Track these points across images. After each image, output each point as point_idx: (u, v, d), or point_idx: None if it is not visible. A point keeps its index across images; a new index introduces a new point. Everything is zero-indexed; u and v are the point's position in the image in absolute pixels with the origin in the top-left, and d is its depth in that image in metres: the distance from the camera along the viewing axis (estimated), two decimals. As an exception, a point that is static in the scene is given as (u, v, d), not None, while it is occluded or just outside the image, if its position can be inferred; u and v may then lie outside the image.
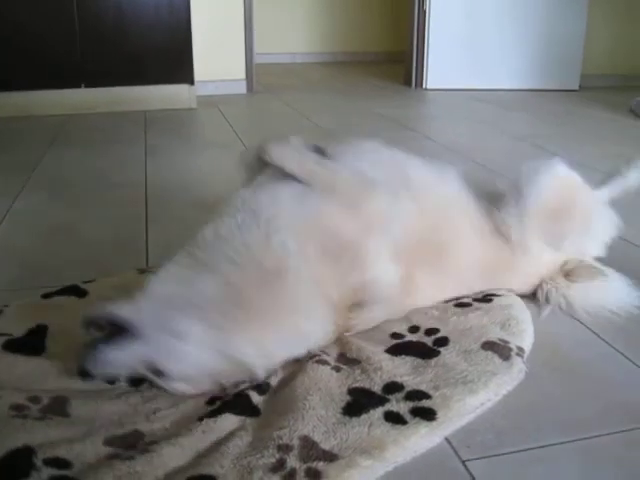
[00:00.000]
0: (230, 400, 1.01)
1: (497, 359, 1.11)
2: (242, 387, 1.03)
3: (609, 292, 1.35)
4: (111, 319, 1.00)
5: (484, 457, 0.91)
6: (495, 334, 1.19)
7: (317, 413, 0.96)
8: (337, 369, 1.09)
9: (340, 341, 1.17)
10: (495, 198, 1.39)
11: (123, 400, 1.02)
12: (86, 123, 3.41)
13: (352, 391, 1.03)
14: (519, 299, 1.34)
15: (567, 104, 4.10)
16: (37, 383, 1.05)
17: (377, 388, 1.04)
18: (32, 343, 1.16)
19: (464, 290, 1.35)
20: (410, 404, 0.99)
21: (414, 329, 1.23)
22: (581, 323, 1.29)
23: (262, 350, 1.04)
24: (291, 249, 1.09)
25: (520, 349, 1.15)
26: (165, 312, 1.01)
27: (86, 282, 1.40)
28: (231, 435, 0.93)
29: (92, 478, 0.84)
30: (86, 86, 3.63)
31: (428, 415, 0.97)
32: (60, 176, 2.37)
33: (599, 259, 1.45)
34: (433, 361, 1.11)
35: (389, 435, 0.92)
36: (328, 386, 1.03)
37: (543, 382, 1.10)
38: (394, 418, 0.96)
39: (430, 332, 1.21)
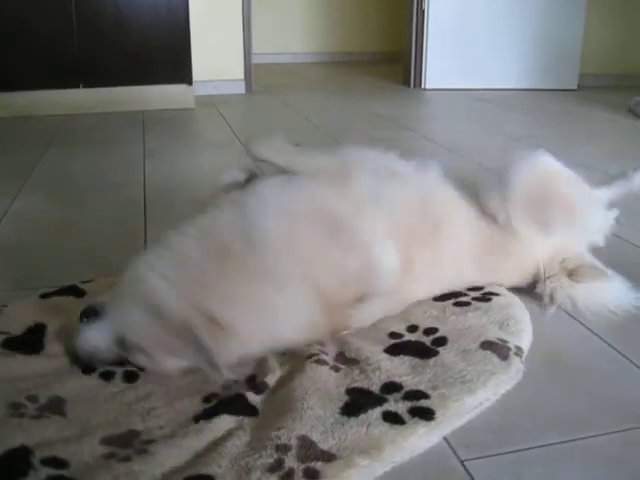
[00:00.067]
0: (226, 400, 1.01)
1: (495, 359, 1.11)
2: (238, 388, 1.03)
3: (611, 293, 1.35)
4: (89, 305, 1.09)
5: (483, 457, 0.91)
6: (494, 334, 1.19)
7: (315, 413, 0.96)
8: (336, 369, 1.09)
9: (339, 341, 1.17)
10: (478, 187, 1.41)
11: (118, 399, 1.02)
12: (84, 123, 3.41)
13: (350, 391, 1.03)
14: (518, 299, 1.34)
15: (565, 104, 4.10)
16: (35, 382, 1.05)
17: (375, 388, 1.04)
18: (30, 342, 1.16)
19: (461, 277, 1.35)
20: (408, 404, 0.99)
21: (413, 328, 1.23)
22: (580, 323, 1.29)
23: (226, 317, 1.04)
24: (269, 227, 1.11)
25: (519, 349, 1.15)
26: (134, 289, 1.07)
27: (84, 282, 1.40)
28: (229, 435, 0.93)
29: (89, 478, 0.84)
30: (84, 86, 3.63)
31: (426, 415, 0.96)
32: (59, 176, 2.37)
33: (599, 258, 1.44)
34: (432, 361, 1.11)
35: (387, 435, 0.92)
36: (326, 386, 1.03)
37: (542, 382, 1.10)
38: (392, 418, 0.96)
39: (429, 332, 1.21)
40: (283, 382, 1.06)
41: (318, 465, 0.86)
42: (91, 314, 1.08)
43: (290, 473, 0.85)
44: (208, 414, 0.97)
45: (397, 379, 1.06)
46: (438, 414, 0.97)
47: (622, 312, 1.30)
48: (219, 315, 1.03)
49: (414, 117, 3.74)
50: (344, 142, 2.86)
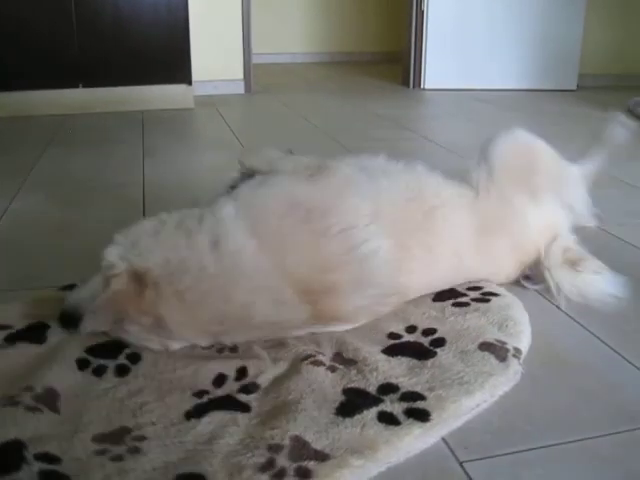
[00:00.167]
0: (217, 400, 1.01)
1: (494, 360, 1.11)
2: (227, 390, 1.04)
3: (610, 285, 1.36)
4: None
5: (482, 458, 0.91)
6: (492, 335, 1.19)
7: (310, 414, 0.96)
8: (332, 369, 1.09)
9: (337, 341, 1.17)
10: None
11: (111, 395, 1.03)
12: (84, 123, 3.40)
13: (347, 391, 1.03)
14: (517, 300, 1.34)
15: (564, 104, 4.10)
16: (33, 374, 1.06)
17: (372, 389, 1.04)
18: (33, 334, 1.19)
19: (461, 261, 1.35)
20: (404, 405, 0.99)
21: (411, 329, 1.23)
22: (580, 325, 1.29)
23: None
24: (238, 217, 1.16)
25: (517, 350, 1.15)
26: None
27: (84, 282, 1.40)
28: (221, 433, 0.93)
29: (81, 474, 0.85)
30: (84, 86, 3.63)
31: (422, 416, 0.96)
32: (58, 176, 2.37)
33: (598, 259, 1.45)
34: (429, 362, 1.11)
35: (382, 435, 0.92)
36: (322, 387, 1.03)
37: (541, 383, 1.10)
38: (387, 419, 0.96)
39: (427, 332, 1.21)
40: (279, 382, 1.06)
41: (310, 464, 0.86)
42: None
43: (282, 472, 0.85)
44: (199, 411, 0.98)
45: (394, 380, 1.06)
46: (434, 415, 0.97)
47: (618, 309, 1.31)
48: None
49: (413, 117, 3.74)
50: (344, 142, 2.86)
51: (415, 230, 1.28)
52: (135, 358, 1.13)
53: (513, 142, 1.48)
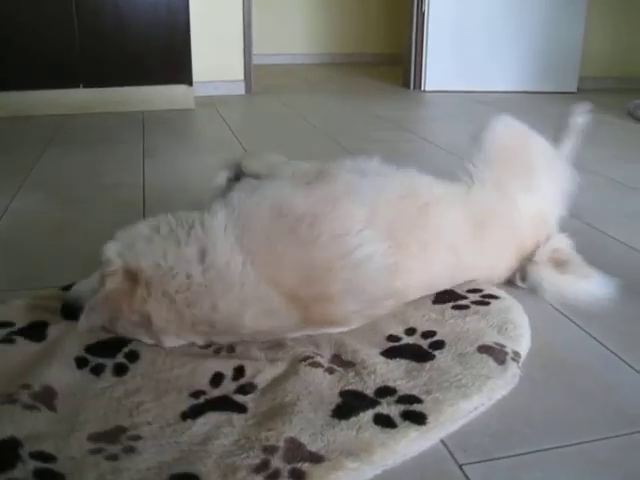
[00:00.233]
0: (213, 400, 1.02)
1: (492, 363, 1.11)
2: (224, 390, 1.04)
3: (594, 290, 1.36)
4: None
5: (481, 461, 0.91)
6: (491, 338, 1.19)
7: (306, 416, 0.96)
8: (330, 371, 1.08)
9: (336, 343, 1.17)
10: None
11: (108, 394, 1.03)
12: (84, 123, 3.40)
13: (344, 393, 1.03)
14: (517, 303, 1.34)
15: (565, 106, 4.09)
16: (31, 372, 1.06)
17: (369, 391, 1.03)
18: (33, 332, 1.19)
19: (459, 258, 1.34)
20: (401, 407, 0.99)
21: (411, 331, 1.23)
22: (579, 327, 1.29)
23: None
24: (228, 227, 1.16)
25: (516, 353, 1.14)
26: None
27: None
28: (216, 433, 0.93)
29: (76, 473, 0.85)
30: (85, 86, 3.63)
31: (419, 419, 0.96)
32: (58, 176, 2.37)
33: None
34: (428, 364, 1.11)
35: (378, 438, 0.92)
36: (319, 388, 1.03)
37: (540, 386, 1.10)
38: (384, 421, 0.96)
39: (427, 335, 1.21)
40: (276, 383, 1.06)
41: (305, 466, 0.86)
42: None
43: (276, 473, 0.85)
44: (195, 412, 0.98)
45: (391, 383, 1.05)
46: (430, 419, 0.97)
47: (601, 308, 1.31)
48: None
49: (414, 119, 3.74)
50: (344, 144, 2.86)
51: (411, 227, 1.28)
52: (133, 357, 1.13)
53: (504, 127, 1.53)
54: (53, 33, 3.50)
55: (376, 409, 0.99)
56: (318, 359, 1.11)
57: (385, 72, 5.77)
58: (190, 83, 3.79)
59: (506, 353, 1.14)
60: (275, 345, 1.16)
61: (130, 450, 0.89)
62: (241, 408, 1.00)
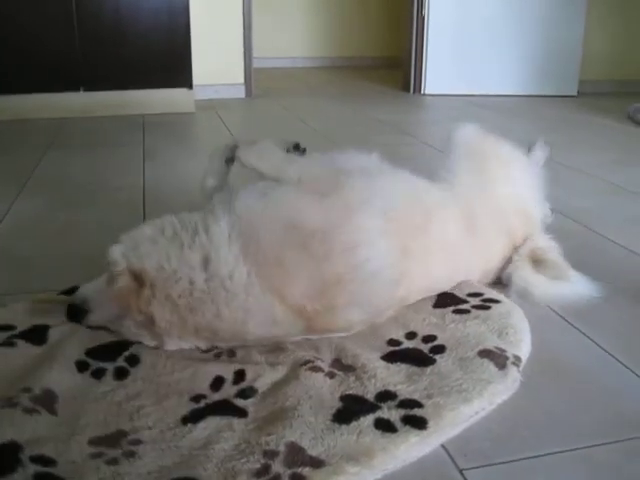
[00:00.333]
0: (213, 404, 1.01)
1: (493, 367, 1.10)
2: (224, 394, 1.04)
3: (568, 292, 1.38)
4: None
5: (482, 466, 0.91)
6: (492, 342, 1.19)
7: (306, 420, 0.96)
8: (331, 375, 1.08)
9: (336, 347, 1.17)
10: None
11: (109, 398, 1.03)
12: (84, 126, 3.40)
13: (344, 398, 1.03)
14: (517, 307, 1.34)
15: (565, 110, 4.11)
16: (32, 375, 1.06)
17: (370, 396, 1.03)
18: (34, 336, 1.19)
19: (455, 254, 1.36)
20: (402, 412, 0.99)
21: (411, 335, 1.23)
22: (580, 332, 1.29)
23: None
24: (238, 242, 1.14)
25: (517, 358, 1.14)
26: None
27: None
28: (217, 438, 0.93)
29: (76, 477, 0.85)
30: (85, 90, 3.63)
31: (419, 424, 0.96)
32: (58, 179, 2.37)
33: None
34: (428, 369, 1.11)
35: (378, 443, 0.92)
36: (320, 393, 1.03)
37: (541, 391, 1.09)
38: (384, 426, 0.96)
39: (427, 339, 1.21)
40: (277, 387, 1.06)
41: (305, 471, 0.86)
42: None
43: (276, 478, 0.85)
44: (196, 416, 0.98)
45: (392, 387, 1.05)
46: (431, 423, 0.96)
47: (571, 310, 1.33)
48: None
49: (414, 122, 3.75)
50: (344, 147, 2.86)
51: (415, 233, 1.28)
52: (134, 361, 1.13)
53: (471, 130, 1.59)
54: (53, 37, 3.50)
55: (377, 414, 0.98)
56: (319, 363, 1.11)
57: (385, 75, 5.77)
58: (190, 86, 3.79)
59: (507, 358, 1.13)
60: (276, 349, 1.16)
61: (130, 454, 0.89)
62: (241, 412, 0.99)
